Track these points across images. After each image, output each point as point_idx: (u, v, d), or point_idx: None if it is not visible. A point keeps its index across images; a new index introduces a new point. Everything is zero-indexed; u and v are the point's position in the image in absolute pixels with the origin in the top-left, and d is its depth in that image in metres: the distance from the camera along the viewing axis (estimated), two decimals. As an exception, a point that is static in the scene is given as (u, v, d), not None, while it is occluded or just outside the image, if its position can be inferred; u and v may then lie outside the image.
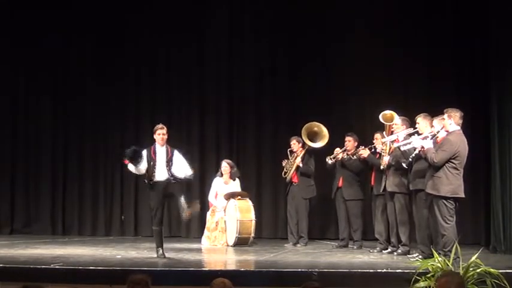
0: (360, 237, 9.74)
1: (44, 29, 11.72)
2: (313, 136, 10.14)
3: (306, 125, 10.11)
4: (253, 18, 11.64)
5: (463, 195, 7.60)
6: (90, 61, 11.87)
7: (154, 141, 8.60)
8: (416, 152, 7.84)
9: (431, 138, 7.74)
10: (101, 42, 11.72)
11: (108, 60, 11.81)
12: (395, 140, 8.81)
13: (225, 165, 10.41)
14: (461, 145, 7.56)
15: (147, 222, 11.58)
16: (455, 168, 7.48)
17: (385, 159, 8.80)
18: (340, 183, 9.78)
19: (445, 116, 7.64)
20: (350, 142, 9.80)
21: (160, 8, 11.60)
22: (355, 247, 9.65)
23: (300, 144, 10.15)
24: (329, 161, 9.82)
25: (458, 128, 7.64)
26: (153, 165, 8.44)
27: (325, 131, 10.10)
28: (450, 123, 7.61)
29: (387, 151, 8.83)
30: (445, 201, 7.45)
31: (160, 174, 8.45)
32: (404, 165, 8.14)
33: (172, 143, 11.57)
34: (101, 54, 11.77)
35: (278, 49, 11.53)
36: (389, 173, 8.77)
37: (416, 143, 7.91)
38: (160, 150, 8.53)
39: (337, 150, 9.84)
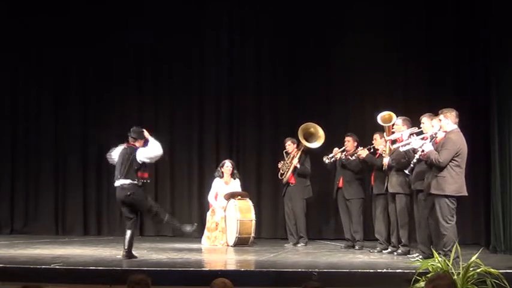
0: (362, 237, 9.73)
1: (45, 29, 11.73)
2: (309, 137, 10.15)
3: (302, 125, 10.13)
4: (253, 18, 11.64)
5: (466, 194, 7.63)
6: (91, 62, 11.87)
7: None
8: (417, 157, 7.84)
9: (431, 140, 7.74)
10: (101, 43, 11.71)
11: (109, 60, 11.82)
12: (397, 139, 8.81)
13: (228, 165, 10.40)
14: (462, 143, 7.60)
15: (149, 221, 11.64)
16: (458, 166, 7.50)
17: (385, 161, 8.79)
18: (341, 184, 9.77)
19: (441, 116, 7.66)
20: (349, 142, 9.79)
21: (161, 9, 11.59)
22: (356, 247, 9.64)
23: (295, 145, 10.16)
24: (326, 160, 9.81)
25: (456, 126, 7.66)
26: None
27: (321, 132, 10.10)
28: (447, 122, 7.63)
29: (387, 152, 8.83)
30: (447, 201, 7.45)
31: None
32: (406, 171, 8.13)
33: (172, 143, 11.68)
34: (101, 55, 11.78)
35: (278, 49, 11.52)
36: (391, 173, 8.77)
37: (415, 143, 7.92)
38: None
39: (336, 149, 9.83)
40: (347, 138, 9.83)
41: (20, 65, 11.93)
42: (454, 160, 7.48)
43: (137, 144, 8.44)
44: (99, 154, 11.88)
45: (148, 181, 8.57)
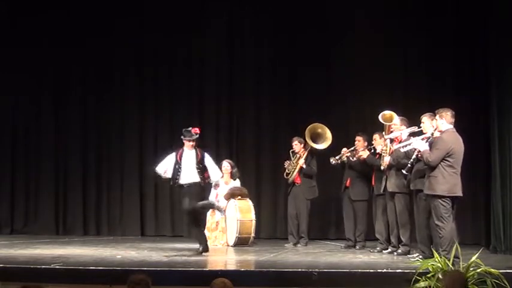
0: (364, 238, 9.73)
1: (45, 29, 11.73)
2: (316, 137, 10.11)
3: (310, 125, 10.07)
4: (253, 18, 11.64)
5: (460, 194, 7.59)
6: (91, 62, 11.87)
7: (183, 144, 8.88)
8: (414, 156, 7.86)
9: (428, 140, 7.74)
10: (101, 43, 11.71)
11: (109, 60, 11.82)
12: (395, 139, 8.81)
13: (226, 165, 10.40)
14: (455, 143, 7.55)
15: (151, 221, 11.63)
16: (451, 167, 7.46)
17: (386, 160, 8.78)
18: (348, 184, 9.76)
19: (437, 116, 7.67)
20: (360, 142, 9.69)
21: (161, 9, 11.59)
22: (357, 247, 9.64)
23: (302, 145, 10.14)
24: (333, 161, 9.77)
25: (451, 126, 7.64)
26: (178, 168, 8.73)
27: (328, 133, 10.04)
28: (442, 122, 7.63)
29: (388, 151, 8.83)
30: (440, 201, 7.44)
31: (186, 177, 8.75)
32: (404, 171, 8.15)
33: (172, 143, 11.67)
34: (101, 55, 11.77)
35: (278, 49, 11.52)
36: (390, 173, 8.76)
37: (416, 143, 7.91)
38: (189, 154, 8.82)
39: (345, 150, 9.79)
40: (357, 138, 9.74)
41: (20, 64, 11.91)
42: (445, 160, 7.46)
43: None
44: (99, 154, 11.91)
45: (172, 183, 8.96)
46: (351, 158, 9.66)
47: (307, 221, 10.10)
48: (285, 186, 10.52)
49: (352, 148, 9.73)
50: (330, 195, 10.56)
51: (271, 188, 11.37)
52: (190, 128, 8.92)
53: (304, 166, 10.03)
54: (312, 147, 10.04)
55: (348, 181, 9.75)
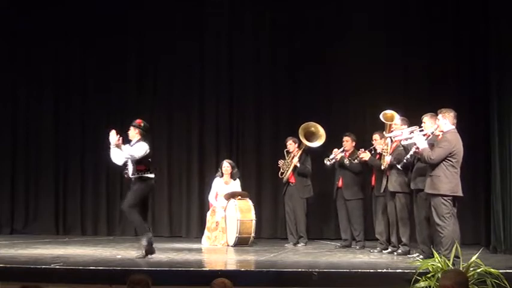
0: (363, 238, 9.73)
1: (45, 28, 11.74)
2: (310, 136, 10.15)
3: (303, 125, 10.13)
4: (253, 18, 11.65)
5: (461, 194, 7.59)
6: (91, 60, 11.89)
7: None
8: (411, 153, 7.86)
9: (427, 139, 7.74)
10: (101, 42, 11.72)
11: (109, 60, 11.82)
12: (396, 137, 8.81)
13: (226, 165, 10.40)
14: (458, 143, 7.57)
15: (148, 222, 11.62)
16: (453, 167, 7.47)
17: (387, 159, 8.78)
18: (340, 184, 9.78)
19: (439, 116, 7.67)
20: (348, 142, 9.80)
21: (161, 9, 11.60)
22: (357, 247, 9.64)
23: (296, 145, 10.17)
24: (327, 162, 9.80)
25: (453, 127, 7.64)
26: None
27: (321, 131, 10.11)
28: (445, 122, 7.62)
29: (388, 151, 8.83)
30: (442, 200, 7.44)
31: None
32: (399, 166, 8.14)
33: (172, 143, 11.73)
34: (102, 54, 11.78)
35: (278, 49, 11.53)
36: (391, 172, 8.76)
37: (416, 138, 7.89)
38: None
39: (336, 150, 9.82)
40: (345, 138, 9.84)
41: (20, 64, 11.92)
42: (448, 160, 7.46)
43: None
44: (98, 154, 11.90)
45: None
46: (352, 161, 9.66)
47: (304, 220, 10.12)
48: (283, 186, 10.50)
49: (342, 149, 9.77)
50: (330, 195, 10.55)
51: (271, 188, 11.37)
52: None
53: (298, 165, 10.05)
54: (306, 146, 10.06)
55: (340, 181, 9.77)
